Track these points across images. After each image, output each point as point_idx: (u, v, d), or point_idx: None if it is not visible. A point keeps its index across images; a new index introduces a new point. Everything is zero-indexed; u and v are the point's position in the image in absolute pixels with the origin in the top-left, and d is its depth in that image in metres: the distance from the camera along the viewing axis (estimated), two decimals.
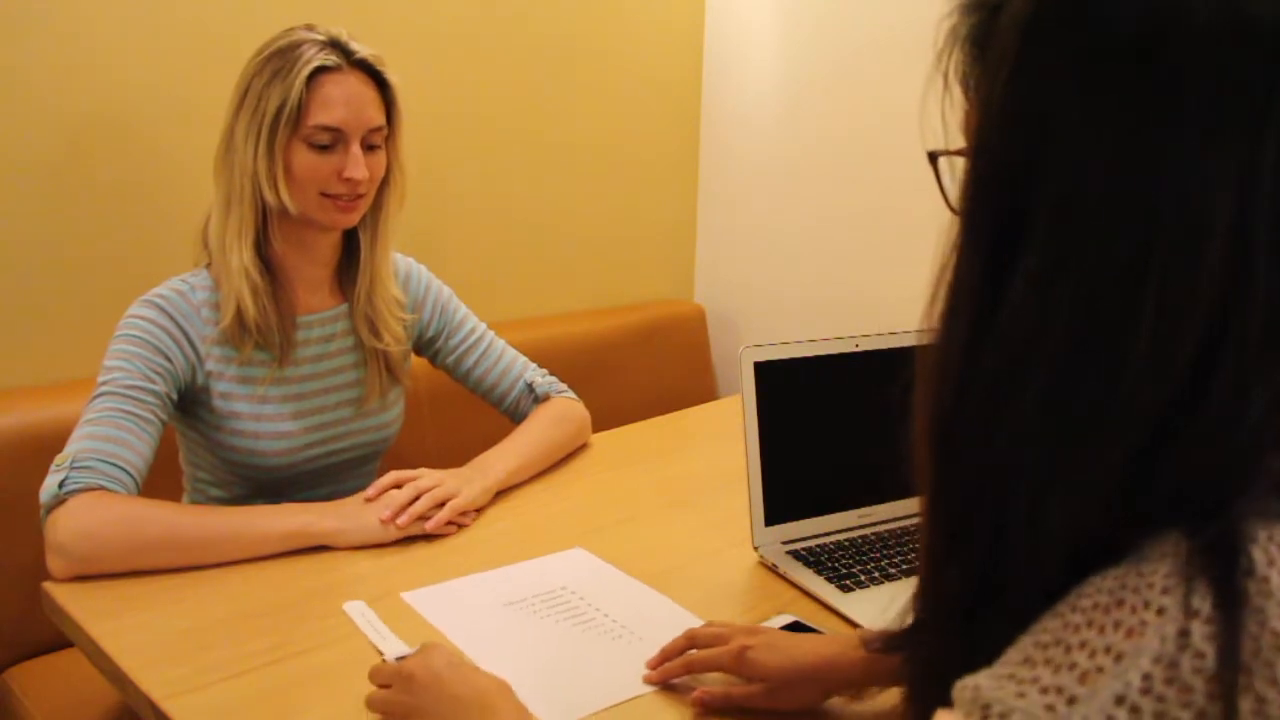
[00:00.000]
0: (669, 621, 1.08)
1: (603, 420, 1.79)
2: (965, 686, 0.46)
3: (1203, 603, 0.41)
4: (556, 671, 0.99)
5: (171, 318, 1.29)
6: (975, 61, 0.53)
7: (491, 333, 1.60)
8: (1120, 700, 0.41)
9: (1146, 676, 0.41)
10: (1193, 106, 0.45)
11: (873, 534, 1.27)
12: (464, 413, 1.84)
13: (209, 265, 1.34)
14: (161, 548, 1.14)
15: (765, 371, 1.23)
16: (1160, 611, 0.42)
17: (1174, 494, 0.45)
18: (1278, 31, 0.44)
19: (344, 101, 1.27)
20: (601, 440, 1.67)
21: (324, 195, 1.30)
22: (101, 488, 1.15)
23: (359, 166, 1.29)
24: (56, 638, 1.20)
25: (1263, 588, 0.41)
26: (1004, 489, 0.49)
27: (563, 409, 1.56)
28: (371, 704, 0.91)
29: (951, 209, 0.55)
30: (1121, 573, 0.44)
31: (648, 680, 0.97)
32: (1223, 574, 0.41)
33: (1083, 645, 0.43)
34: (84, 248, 1.61)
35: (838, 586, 1.15)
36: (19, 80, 1.52)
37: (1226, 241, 0.44)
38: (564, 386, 1.61)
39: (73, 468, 1.16)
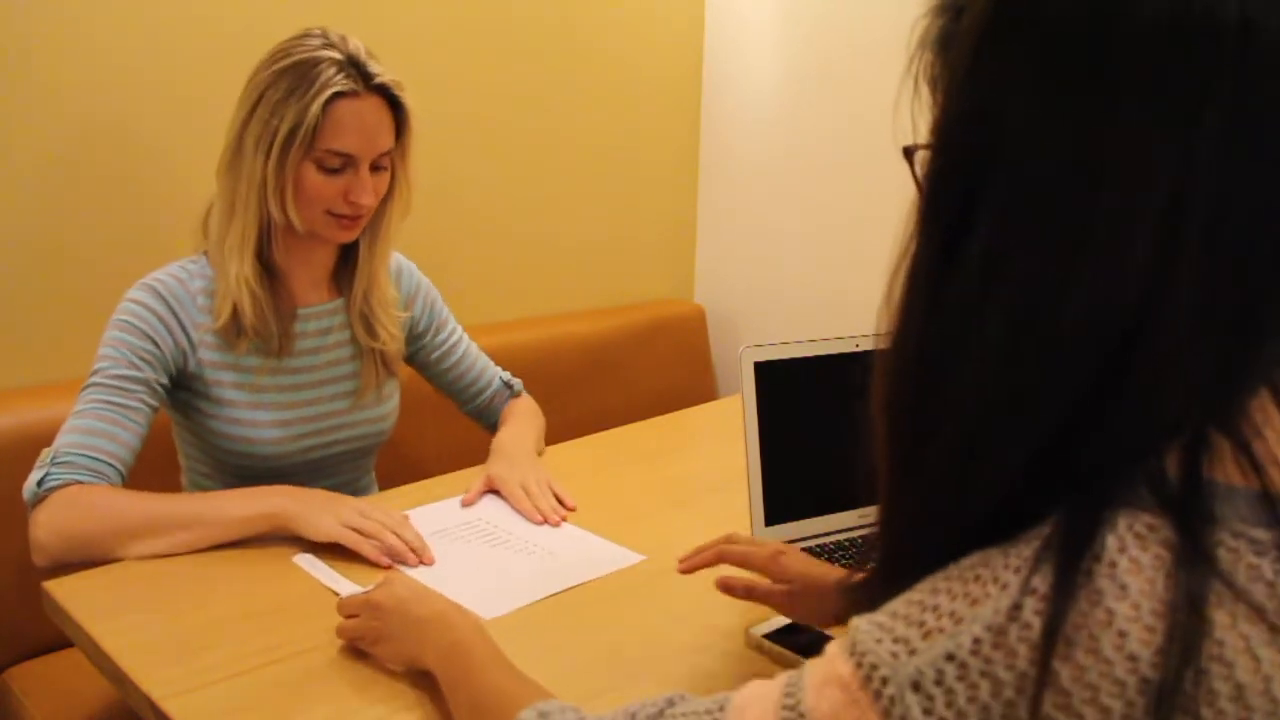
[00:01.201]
0: (571, 539, 1.29)
1: (603, 420, 1.79)
2: (853, 623, 0.53)
3: (1042, 582, 0.46)
4: (482, 580, 1.16)
5: (165, 301, 1.30)
6: (939, 63, 0.56)
7: (466, 334, 1.64)
8: (950, 657, 0.47)
9: (976, 640, 0.47)
10: (1134, 99, 0.47)
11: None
12: (460, 413, 1.83)
13: (208, 252, 1.35)
14: (134, 533, 1.15)
15: (765, 371, 1.23)
16: (1004, 587, 0.47)
17: (1074, 480, 0.48)
18: (1215, 25, 0.46)
19: (358, 129, 1.27)
20: (601, 440, 1.67)
21: (328, 213, 1.31)
22: (78, 483, 1.17)
23: (366, 192, 1.29)
24: (56, 638, 1.20)
25: (1108, 571, 0.45)
26: (931, 458, 0.53)
27: (534, 405, 1.66)
28: (341, 632, 1.00)
29: None
30: (990, 552, 0.49)
31: (681, 570, 1.07)
32: (1069, 557, 0.46)
33: (935, 609, 0.49)
34: (84, 248, 1.61)
35: None
36: (21, 81, 1.52)
37: (1159, 228, 0.47)
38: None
39: (53, 464, 1.18)
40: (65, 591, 1.10)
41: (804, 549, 1.23)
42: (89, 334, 1.34)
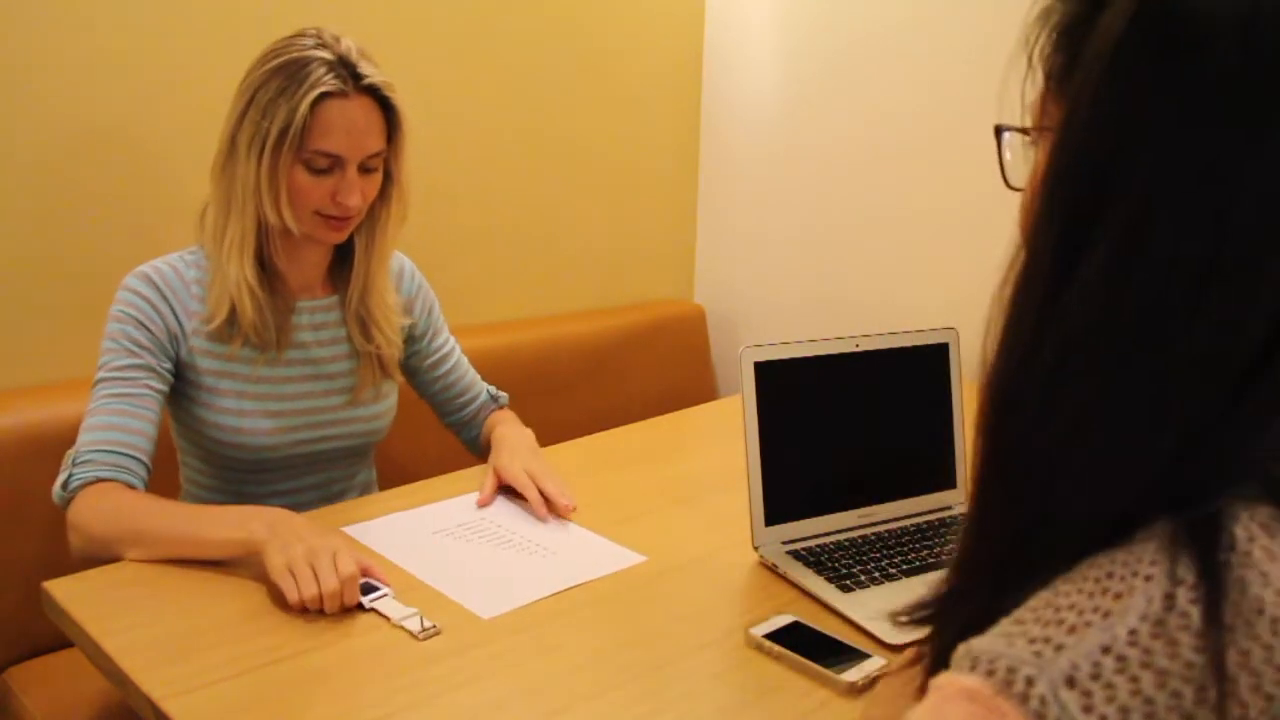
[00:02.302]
0: (571, 539, 1.28)
1: (603, 420, 1.79)
2: (963, 646, 0.49)
3: (1187, 572, 0.45)
4: (482, 580, 1.17)
5: (158, 288, 1.31)
6: (1062, 53, 0.54)
7: (458, 344, 1.62)
8: (1106, 650, 0.45)
9: (1133, 631, 0.45)
10: (1273, 132, 0.47)
11: (873, 534, 1.27)
12: None
13: (205, 245, 1.35)
14: (132, 543, 1.17)
15: (765, 371, 1.23)
16: (1148, 579, 0.46)
17: (1181, 489, 0.48)
18: None
19: (345, 129, 1.27)
20: (601, 440, 1.67)
21: (317, 214, 1.30)
22: (99, 479, 1.21)
23: (353, 194, 1.28)
24: (56, 638, 1.20)
25: (1244, 560, 0.45)
26: (1049, 471, 0.52)
27: (515, 416, 1.62)
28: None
29: (1009, 185, 0.58)
30: (1112, 553, 0.48)
31: None
32: (1206, 547, 0.46)
33: (1072, 607, 0.47)
34: (84, 248, 1.61)
35: (838, 586, 1.15)
36: (21, 83, 1.52)
37: None
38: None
39: (74, 465, 1.22)
40: (65, 591, 1.10)
41: (804, 549, 1.23)
42: (89, 334, 1.34)
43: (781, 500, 1.24)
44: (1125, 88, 0.50)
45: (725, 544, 1.26)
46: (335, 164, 1.28)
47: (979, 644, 0.48)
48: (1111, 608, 0.46)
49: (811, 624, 1.06)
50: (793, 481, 1.25)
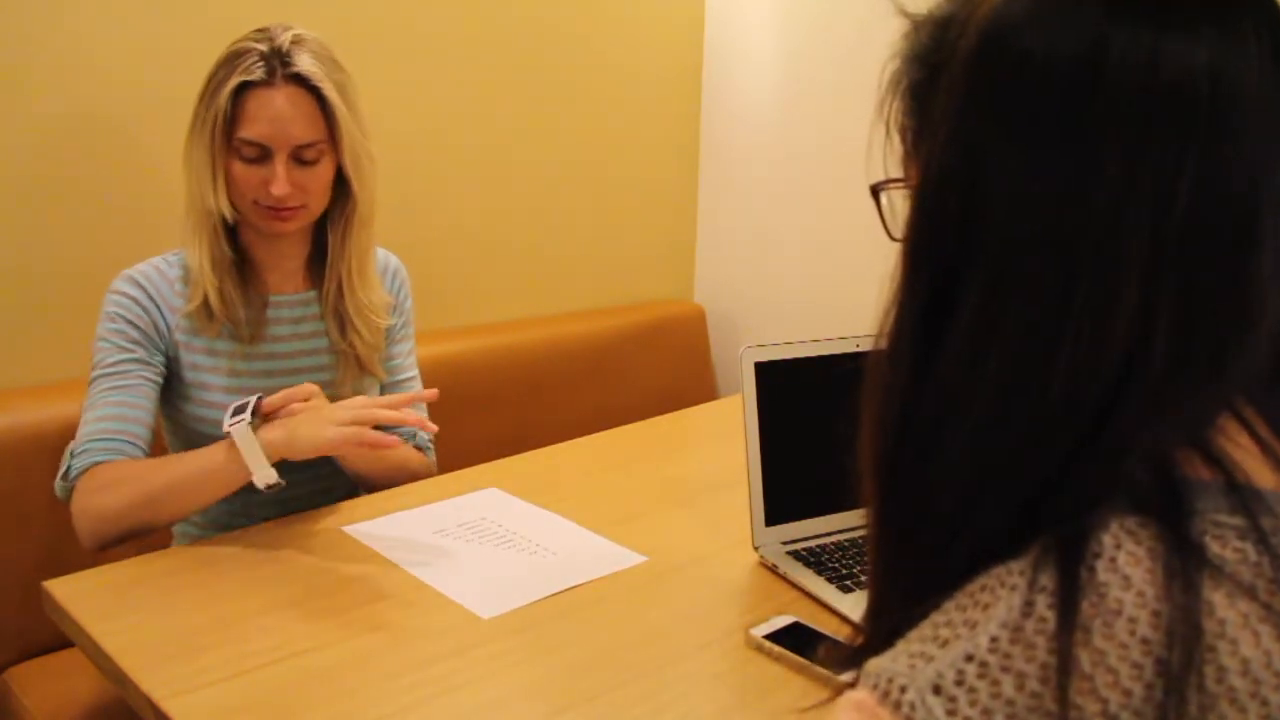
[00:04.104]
0: (571, 539, 1.29)
1: (603, 420, 1.79)
2: (865, 669, 0.53)
3: (1049, 580, 0.48)
4: (482, 580, 1.17)
5: (143, 288, 1.33)
6: (912, 116, 0.58)
7: (418, 374, 1.55)
8: (970, 658, 0.48)
9: (994, 638, 0.48)
10: (1113, 167, 0.49)
11: None
12: (460, 414, 1.84)
13: None
14: (145, 505, 1.20)
15: (765, 371, 1.23)
16: (1012, 589, 0.49)
17: (1062, 511, 0.50)
18: (1189, 93, 0.48)
19: (268, 118, 1.27)
20: (601, 440, 1.67)
21: (256, 204, 1.31)
22: (98, 464, 1.23)
23: (281, 183, 1.28)
24: (56, 638, 1.20)
25: (1109, 565, 0.47)
26: (934, 517, 0.55)
27: (428, 465, 1.53)
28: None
29: (891, 237, 0.60)
30: (989, 571, 0.51)
31: None
32: (1069, 556, 0.48)
33: (948, 623, 0.51)
34: (84, 248, 1.61)
35: (838, 586, 1.15)
36: (15, 80, 1.52)
37: (1138, 295, 0.49)
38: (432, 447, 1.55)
39: (73, 456, 1.25)
40: (65, 591, 1.10)
41: (804, 549, 1.23)
42: (88, 334, 1.34)
43: (781, 500, 1.24)
44: (964, 145, 0.53)
45: (725, 544, 1.26)
46: (264, 153, 1.28)
47: (874, 663, 0.52)
48: (979, 619, 0.49)
49: (811, 624, 1.06)
50: (793, 481, 1.25)
